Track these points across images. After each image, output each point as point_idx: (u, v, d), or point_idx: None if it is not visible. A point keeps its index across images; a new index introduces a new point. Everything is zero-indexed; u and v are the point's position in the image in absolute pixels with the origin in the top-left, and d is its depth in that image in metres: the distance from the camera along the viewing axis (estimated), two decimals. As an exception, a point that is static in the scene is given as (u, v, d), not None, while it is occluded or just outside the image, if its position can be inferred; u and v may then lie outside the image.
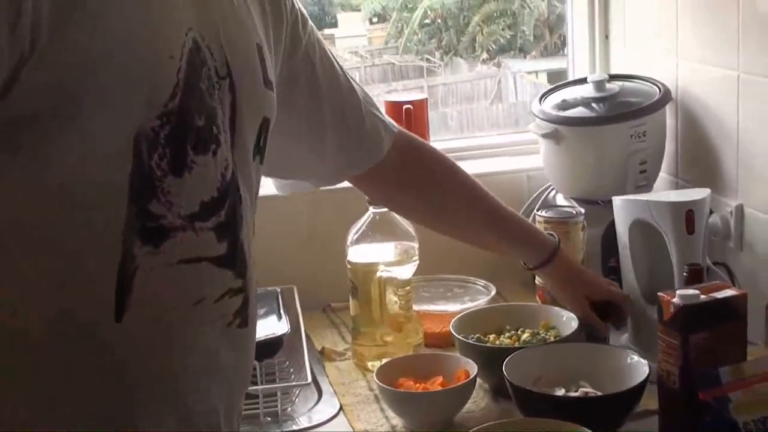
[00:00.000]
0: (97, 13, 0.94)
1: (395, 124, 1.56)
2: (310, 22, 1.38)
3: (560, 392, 1.48)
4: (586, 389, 1.49)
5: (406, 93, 7.24)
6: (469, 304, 1.89)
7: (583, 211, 1.83)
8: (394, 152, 1.53)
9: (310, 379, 1.63)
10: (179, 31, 1.02)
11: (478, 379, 1.58)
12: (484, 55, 8.47)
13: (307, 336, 1.79)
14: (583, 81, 2.07)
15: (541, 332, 1.69)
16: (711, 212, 1.73)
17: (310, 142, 1.45)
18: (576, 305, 1.70)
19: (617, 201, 1.73)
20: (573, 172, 2.00)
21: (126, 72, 0.96)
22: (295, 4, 1.33)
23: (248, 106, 1.12)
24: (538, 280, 1.84)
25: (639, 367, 1.48)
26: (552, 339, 1.66)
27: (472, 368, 1.56)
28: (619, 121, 1.92)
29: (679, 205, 1.61)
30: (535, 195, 2.11)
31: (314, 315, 1.98)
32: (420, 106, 2.19)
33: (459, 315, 1.74)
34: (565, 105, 2.01)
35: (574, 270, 1.71)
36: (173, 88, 1.00)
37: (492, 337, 1.70)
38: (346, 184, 1.76)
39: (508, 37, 8.30)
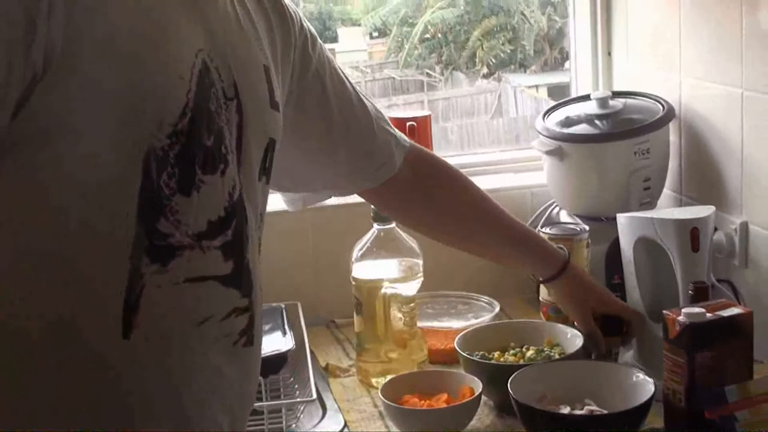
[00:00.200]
0: (109, 34, 0.95)
1: (407, 138, 1.56)
2: (319, 41, 1.38)
3: (565, 410, 1.48)
4: (591, 407, 1.49)
5: (410, 110, 7.26)
6: (473, 321, 1.90)
7: (587, 228, 1.83)
8: (406, 166, 1.54)
9: (314, 396, 1.63)
10: (189, 52, 1.03)
11: (483, 396, 1.57)
12: (485, 70, 8.50)
13: (311, 352, 1.79)
14: (586, 98, 2.07)
15: (545, 349, 1.69)
16: (715, 229, 1.73)
17: (322, 159, 1.46)
18: (581, 319, 1.70)
19: (621, 218, 1.73)
20: (577, 188, 2.01)
21: (137, 92, 0.97)
22: (304, 24, 1.34)
23: (255, 127, 1.13)
24: (542, 296, 1.84)
25: (645, 386, 1.48)
26: (557, 356, 1.65)
27: (477, 385, 1.56)
28: (623, 138, 1.93)
29: (684, 223, 1.61)
30: (538, 212, 2.12)
31: (318, 331, 1.98)
32: (424, 122, 2.19)
33: (463, 332, 1.74)
34: (568, 122, 2.01)
35: (584, 283, 1.71)
36: (183, 108, 1.01)
37: (497, 354, 1.69)
38: (349, 200, 1.77)
39: (509, 51, 8.34)
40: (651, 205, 1.96)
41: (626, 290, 1.74)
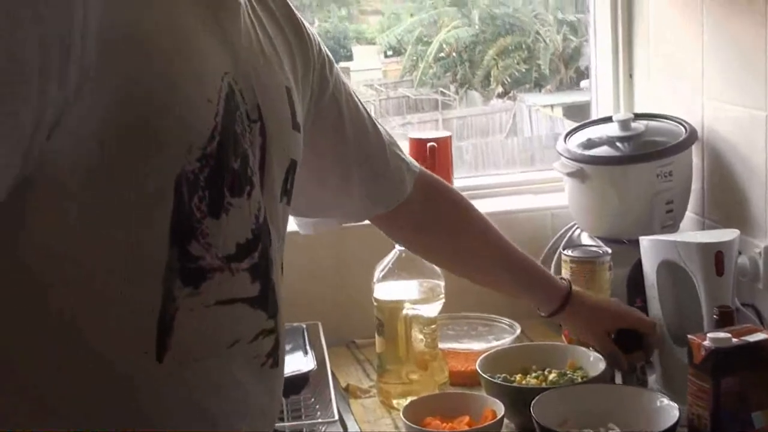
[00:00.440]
0: (140, 58, 0.95)
1: (416, 163, 1.56)
2: (335, 65, 1.39)
3: (589, 434, 1.47)
4: (614, 432, 1.48)
5: (424, 129, 7.26)
6: (494, 343, 1.89)
7: (609, 250, 1.83)
8: (415, 192, 1.54)
9: (336, 417, 1.62)
10: (216, 75, 1.04)
11: (505, 419, 1.57)
12: (499, 89, 8.51)
13: (332, 372, 1.79)
14: (607, 120, 2.07)
15: (568, 372, 1.68)
16: (739, 253, 1.73)
17: (336, 183, 1.45)
18: (597, 342, 1.70)
19: (644, 241, 1.72)
20: (598, 211, 2.00)
21: (168, 116, 0.97)
22: (322, 48, 1.35)
23: (277, 148, 1.14)
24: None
25: (669, 411, 1.47)
26: (579, 380, 1.65)
27: (499, 408, 1.56)
28: (646, 160, 1.92)
29: (708, 246, 1.60)
30: (559, 233, 2.11)
31: (339, 351, 1.97)
32: (444, 143, 2.19)
33: (485, 354, 1.73)
34: (590, 144, 2.01)
35: (592, 308, 1.70)
36: (212, 131, 1.01)
37: (518, 376, 1.69)
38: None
39: (524, 70, 8.34)
40: (673, 227, 1.95)
41: (649, 314, 1.73)
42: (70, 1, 0.89)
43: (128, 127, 0.94)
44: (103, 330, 0.97)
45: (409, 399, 1.65)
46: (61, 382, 0.96)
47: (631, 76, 2.24)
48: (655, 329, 1.68)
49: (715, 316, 1.53)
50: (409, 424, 1.54)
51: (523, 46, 8.15)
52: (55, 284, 0.96)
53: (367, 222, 1.77)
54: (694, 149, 1.97)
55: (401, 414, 1.57)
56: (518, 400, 1.55)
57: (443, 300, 1.76)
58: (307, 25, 1.32)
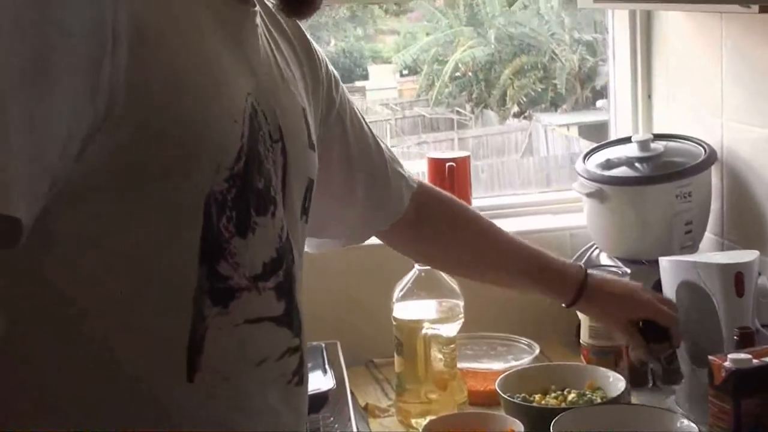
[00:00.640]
0: (169, 80, 0.96)
1: (415, 178, 1.56)
2: (341, 83, 1.40)
3: (609, 455, 1.47)
4: (635, 453, 1.48)
5: (440, 148, 7.26)
6: (513, 363, 1.89)
7: (628, 271, 1.83)
8: (411, 205, 1.53)
9: (355, 436, 1.63)
10: (241, 96, 1.05)
11: (525, 440, 1.57)
12: (515, 108, 8.52)
13: (351, 392, 1.79)
14: (626, 140, 2.07)
15: (587, 393, 1.68)
16: (759, 274, 1.72)
17: (340, 201, 1.46)
18: (619, 331, 1.65)
19: (664, 262, 1.72)
20: (617, 231, 2.00)
21: (198, 137, 0.99)
22: (329, 66, 1.36)
23: (297, 168, 1.15)
24: (582, 339, 1.83)
25: None
26: (599, 400, 1.65)
27: (519, 428, 1.55)
28: (665, 181, 1.93)
29: (728, 267, 1.60)
30: (578, 254, 2.11)
31: (357, 370, 1.98)
32: (462, 163, 2.20)
33: (504, 374, 1.73)
34: (609, 164, 2.01)
35: (607, 296, 1.63)
36: (238, 151, 1.03)
37: (538, 396, 1.69)
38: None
39: (540, 90, 8.35)
40: (693, 248, 1.95)
41: (668, 334, 1.73)
42: (101, 25, 0.90)
43: (159, 148, 0.95)
44: (136, 352, 0.98)
45: (428, 418, 1.65)
46: (93, 403, 0.97)
47: (649, 96, 2.25)
48: (676, 322, 1.61)
49: (735, 337, 1.53)
50: (429, 443, 1.54)
51: (539, 66, 8.16)
52: (87, 308, 0.97)
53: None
54: (713, 170, 1.97)
55: (421, 433, 1.57)
56: (538, 420, 1.55)
57: (462, 320, 1.76)
58: (314, 43, 1.33)
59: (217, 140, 1.01)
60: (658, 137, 2.07)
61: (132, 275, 0.97)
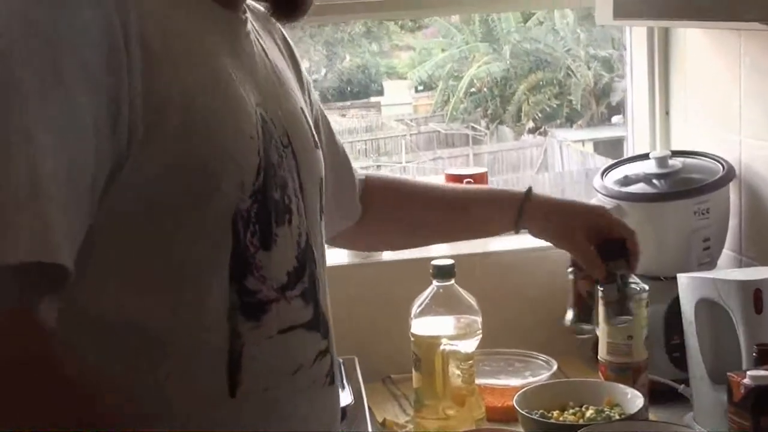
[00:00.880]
0: (187, 101, 0.97)
1: (359, 171, 1.54)
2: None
3: (628, 472, 1.47)
4: (654, 470, 1.48)
5: (455, 163, 7.26)
6: (531, 379, 1.89)
7: (646, 287, 1.82)
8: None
9: (374, 452, 1.63)
10: (251, 109, 1.07)
11: (543, 456, 1.57)
12: (530, 124, 8.53)
13: (368, 407, 1.79)
14: (644, 157, 2.07)
15: (605, 410, 1.68)
16: (777, 291, 1.72)
17: None
18: (571, 245, 1.55)
19: (682, 279, 1.72)
20: (635, 247, 2.00)
21: (220, 160, 1.00)
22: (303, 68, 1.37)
23: (308, 170, 1.17)
24: (600, 355, 1.83)
25: (709, 449, 1.47)
26: (617, 417, 1.64)
27: (537, 445, 1.56)
28: (683, 197, 1.92)
29: (747, 284, 1.60)
30: (596, 270, 2.11)
31: (374, 386, 1.98)
32: (480, 179, 2.20)
33: (522, 390, 1.73)
34: (626, 181, 2.01)
35: (552, 206, 1.57)
36: (257, 166, 1.04)
37: (556, 413, 1.69)
38: (407, 255, 1.78)
39: (555, 106, 8.36)
40: (711, 265, 1.95)
41: (687, 351, 1.73)
42: (119, 63, 0.91)
43: (184, 177, 0.97)
44: (177, 378, 0.99)
45: (447, 435, 1.66)
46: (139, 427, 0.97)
47: (667, 113, 2.25)
48: (633, 234, 1.56)
49: (754, 354, 1.52)
50: (447, 459, 1.54)
51: (555, 82, 8.18)
52: (126, 338, 0.98)
53: (404, 257, 1.78)
54: (732, 187, 1.97)
55: (439, 449, 1.57)
56: (556, 436, 1.55)
57: (480, 336, 1.76)
58: (292, 43, 1.34)
59: (239, 160, 1.02)
60: (676, 154, 2.07)
61: (167, 303, 0.98)
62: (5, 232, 0.84)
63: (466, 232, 1.68)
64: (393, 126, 8.83)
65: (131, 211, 0.95)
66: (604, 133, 7.30)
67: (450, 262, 1.76)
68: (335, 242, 1.57)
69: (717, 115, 2.05)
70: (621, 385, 1.72)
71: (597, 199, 2.02)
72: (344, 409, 1.72)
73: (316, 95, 1.41)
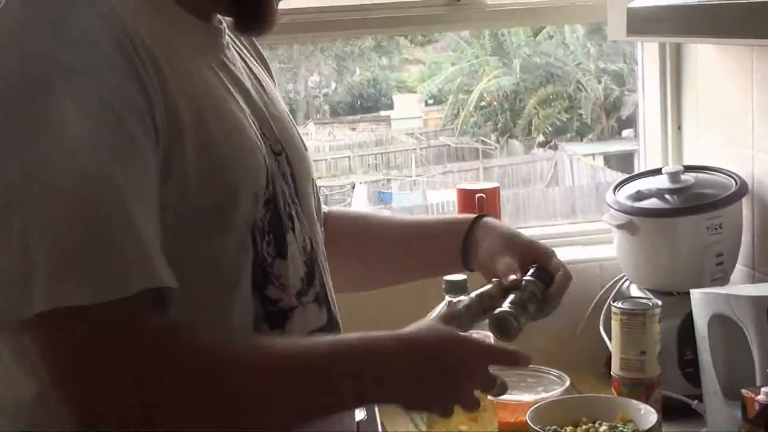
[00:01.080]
0: (198, 121, 0.98)
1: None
2: None
3: (642, 489, 1.47)
4: (668, 486, 1.47)
5: (465, 177, 7.26)
6: (544, 395, 1.88)
7: (659, 303, 1.82)
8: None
9: (386, 467, 1.62)
10: (249, 119, 1.07)
11: (556, 472, 1.56)
12: (540, 138, 8.53)
13: (381, 422, 1.79)
14: (657, 172, 2.07)
15: (618, 425, 1.67)
16: (791, 306, 1.72)
17: None
18: (498, 258, 1.37)
19: (696, 294, 1.72)
20: (648, 263, 2.00)
21: (235, 174, 1.01)
22: None
23: (302, 173, 1.17)
24: (613, 371, 1.83)
25: (722, 465, 1.46)
26: (630, 433, 1.64)
27: (551, 461, 1.55)
28: (696, 213, 1.92)
29: (760, 300, 1.60)
30: (608, 285, 2.11)
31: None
32: (492, 194, 2.20)
33: (535, 405, 1.73)
34: (639, 196, 2.01)
35: (503, 229, 1.43)
36: (266, 175, 1.05)
37: (569, 429, 1.68)
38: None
39: (565, 120, 8.36)
40: (724, 280, 1.94)
41: (700, 367, 1.73)
42: (145, 86, 0.93)
43: (210, 189, 0.98)
44: None
45: (460, 450, 1.65)
46: None
47: (679, 128, 2.25)
48: (566, 273, 1.42)
49: (768, 370, 1.52)
50: (461, 475, 1.54)
51: (565, 96, 8.19)
52: None
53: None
54: (744, 202, 1.97)
55: (452, 465, 1.57)
56: (570, 452, 1.55)
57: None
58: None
59: (252, 170, 1.03)
60: (689, 169, 2.06)
61: (195, 319, 0.98)
62: (114, 266, 0.88)
63: (413, 274, 1.56)
64: (403, 140, 8.85)
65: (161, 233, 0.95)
66: (614, 147, 7.30)
67: (463, 277, 1.76)
68: None
69: (729, 130, 2.05)
70: (634, 401, 1.72)
71: (609, 215, 2.02)
72: (358, 424, 1.72)
73: None
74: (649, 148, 2.33)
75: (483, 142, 8.37)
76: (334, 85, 9.12)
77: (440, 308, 1.75)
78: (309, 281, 1.12)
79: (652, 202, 1.99)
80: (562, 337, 1.91)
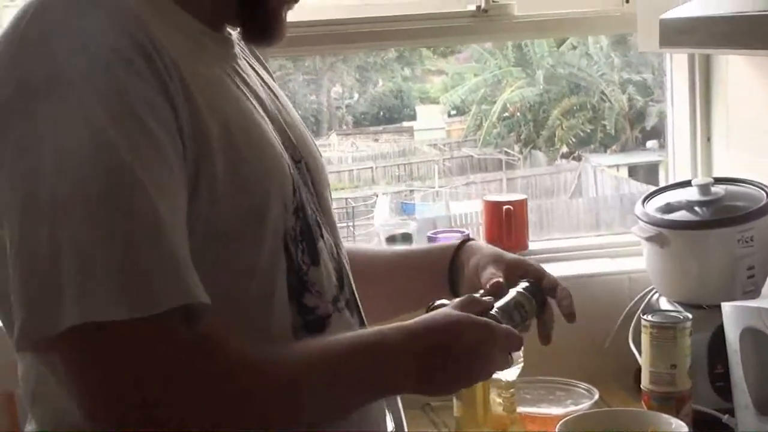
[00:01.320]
0: (225, 134, 0.98)
1: None
2: None
3: (674, 504, 1.45)
4: (700, 501, 1.46)
5: (488, 188, 7.25)
6: (572, 408, 1.87)
7: (690, 316, 1.81)
8: None
9: (413, 481, 1.61)
10: (270, 129, 1.07)
11: (587, 487, 1.55)
12: (564, 149, 8.51)
13: (408, 433, 1.78)
14: (686, 184, 2.06)
15: (649, 440, 1.66)
16: (824, 320, 1.70)
17: None
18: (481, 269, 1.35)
19: (727, 307, 1.70)
20: (678, 276, 1.98)
21: (264, 184, 1.01)
22: None
23: (319, 179, 1.17)
24: (643, 384, 1.81)
25: (756, 481, 1.45)
26: (661, 447, 1.62)
27: (581, 475, 1.54)
28: (726, 225, 1.91)
29: (793, 314, 1.58)
30: (637, 298, 2.09)
31: (414, 414, 1.96)
32: (520, 206, 2.19)
33: (564, 419, 1.71)
34: (668, 208, 1.99)
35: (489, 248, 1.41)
36: (293, 184, 1.05)
37: (598, 443, 1.67)
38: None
39: (589, 130, 8.34)
40: (755, 293, 1.92)
41: (731, 380, 1.71)
42: (172, 99, 0.93)
43: (241, 201, 0.98)
44: None
45: (489, 464, 1.64)
46: None
47: (709, 139, 2.23)
48: (567, 293, 1.42)
49: (802, 385, 1.50)
50: (490, 489, 1.53)
51: (588, 106, 8.16)
52: None
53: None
54: (775, 214, 1.95)
55: (482, 479, 1.56)
56: (600, 467, 1.54)
57: (522, 364, 1.75)
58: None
59: (279, 180, 1.04)
60: (719, 181, 2.05)
61: (234, 331, 0.98)
62: (144, 283, 0.88)
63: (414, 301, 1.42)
64: (426, 151, 8.84)
65: (192, 246, 0.95)
66: (638, 158, 7.28)
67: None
68: None
69: (760, 141, 2.04)
70: (664, 415, 1.70)
71: (639, 227, 2.01)
72: (386, 437, 1.71)
73: None
74: (677, 159, 2.31)
75: (506, 153, 8.35)
76: (356, 96, 9.13)
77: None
78: (340, 287, 1.12)
79: (681, 215, 1.97)
80: (590, 349, 1.90)
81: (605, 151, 8.17)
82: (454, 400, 1.77)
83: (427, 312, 1.20)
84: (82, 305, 0.86)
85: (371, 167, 8.60)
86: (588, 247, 2.29)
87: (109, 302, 0.86)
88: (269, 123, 1.08)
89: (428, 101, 9.45)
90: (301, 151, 1.14)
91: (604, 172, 7.62)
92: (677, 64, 2.26)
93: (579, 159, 8.14)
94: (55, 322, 0.86)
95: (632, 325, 2.00)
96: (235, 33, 1.17)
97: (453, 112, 9.27)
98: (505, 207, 2.17)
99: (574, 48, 8.16)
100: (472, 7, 2.13)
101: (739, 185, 2.02)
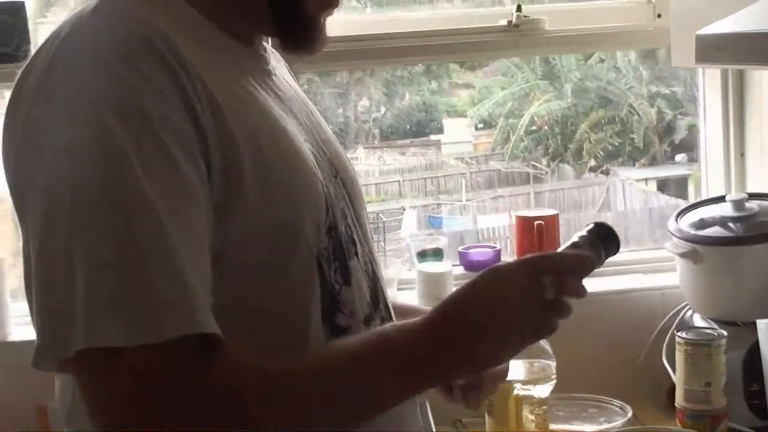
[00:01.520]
0: (254, 152, 0.97)
1: None
2: None
3: None
4: None
5: (516, 202, 7.22)
6: (605, 426, 1.86)
7: (725, 333, 1.80)
8: None
9: (447, 499, 1.61)
10: (304, 146, 1.06)
11: (621, 506, 1.54)
12: (592, 162, 8.46)
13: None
14: (720, 199, 2.04)
15: (684, 458, 1.64)
16: None
17: None
18: None
19: (762, 324, 1.69)
20: (712, 292, 1.97)
21: (298, 200, 1.00)
22: None
23: (354, 194, 1.16)
24: (677, 402, 1.80)
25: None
26: (697, 466, 1.61)
27: (615, 494, 1.53)
28: (761, 241, 1.89)
29: (831, 332, 1.56)
30: (671, 314, 2.08)
31: (445, 430, 1.96)
32: (551, 221, 2.18)
33: (598, 437, 1.71)
34: (702, 224, 1.98)
35: None
36: (326, 203, 1.04)
37: (633, 461, 1.66)
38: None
39: (617, 144, 8.29)
40: (791, 311, 1.91)
41: (767, 398, 1.69)
42: (198, 119, 0.93)
43: (272, 225, 0.98)
44: None
45: (522, 481, 1.63)
46: None
47: (742, 155, 2.22)
48: None
49: (840, 404, 1.49)
50: (523, 507, 1.52)
51: (617, 120, 8.10)
52: None
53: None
54: (811, 230, 1.93)
55: (515, 497, 1.55)
56: (634, 485, 1.53)
57: (555, 381, 1.74)
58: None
59: (312, 199, 1.03)
60: (753, 196, 2.03)
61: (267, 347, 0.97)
62: (148, 310, 0.87)
63: None
64: (453, 164, 8.81)
65: (223, 271, 0.95)
66: (667, 171, 7.22)
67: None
68: None
69: (794, 157, 2.02)
70: (699, 434, 1.69)
71: (672, 243, 2.00)
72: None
73: None
74: (710, 174, 2.29)
75: (534, 167, 8.32)
76: (383, 109, 9.12)
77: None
78: (375, 306, 1.11)
79: (715, 230, 1.96)
80: (623, 366, 1.88)
81: (633, 165, 8.11)
82: (486, 417, 1.77)
83: None
84: (88, 329, 0.87)
85: (398, 180, 8.59)
86: (620, 262, 2.27)
87: (113, 328, 0.87)
88: (304, 139, 1.08)
89: (455, 115, 9.43)
90: (337, 168, 1.14)
91: (633, 185, 7.57)
92: (710, 78, 2.25)
93: (607, 173, 8.09)
94: (67, 345, 0.87)
95: (666, 341, 1.99)
96: (269, 46, 1.17)
97: (480, 126, 9.24)
98: (536, 222, 2.16)
99: (602, 61, 8.12)
100: (503, 22, 2.12)
101: (774, 201, 2.00)
